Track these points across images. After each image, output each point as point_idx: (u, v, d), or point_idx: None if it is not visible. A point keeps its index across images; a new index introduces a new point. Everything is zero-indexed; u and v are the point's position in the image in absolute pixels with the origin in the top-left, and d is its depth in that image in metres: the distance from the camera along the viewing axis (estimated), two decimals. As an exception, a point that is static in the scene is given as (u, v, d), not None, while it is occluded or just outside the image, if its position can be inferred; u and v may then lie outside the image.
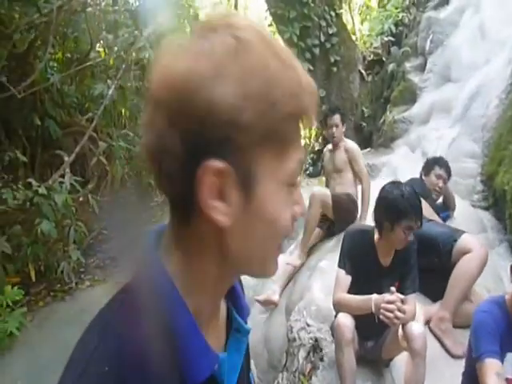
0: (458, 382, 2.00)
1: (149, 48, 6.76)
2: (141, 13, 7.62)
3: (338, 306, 2.19)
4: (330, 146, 3.78)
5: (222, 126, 0.42)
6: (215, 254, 0.48)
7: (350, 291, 2.18)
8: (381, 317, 1.94)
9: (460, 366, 2.08)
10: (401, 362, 2.26)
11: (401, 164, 4.23)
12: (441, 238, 2.69)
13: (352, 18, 9.38)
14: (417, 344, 2.01)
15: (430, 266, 2.66)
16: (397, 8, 7.07)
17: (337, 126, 3.54)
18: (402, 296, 1.96)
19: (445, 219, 3.32)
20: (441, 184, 3.20)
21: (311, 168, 6.80)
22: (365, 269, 2.19)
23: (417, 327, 2.05)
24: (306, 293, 3.20)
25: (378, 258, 2.21)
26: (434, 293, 2.75)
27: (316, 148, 7.04)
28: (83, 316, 4.45)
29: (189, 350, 0.48)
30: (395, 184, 2.20)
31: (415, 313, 2.15)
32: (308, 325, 2.89)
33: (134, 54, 6.52)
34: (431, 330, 2.64)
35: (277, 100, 0.43)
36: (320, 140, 6.99)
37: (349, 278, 2.19)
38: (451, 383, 2.09)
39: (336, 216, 3.51)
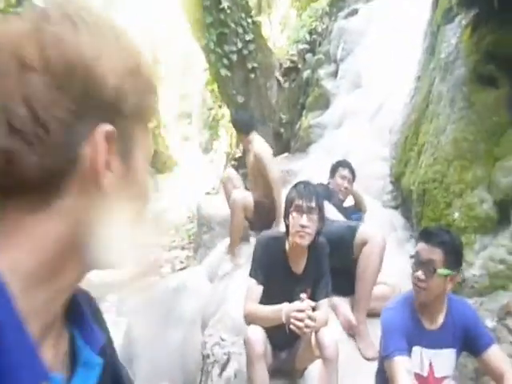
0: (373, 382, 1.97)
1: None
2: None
3: (249, 319, 2.07)
4: None
5: (108, 92, 0.42)
6: (65, 240, 0.43)
7: (262, 301, 2.07)
8: (291, 326, 1.85)
9: (375, 365, 2.05)
10: (315, 372, 2.18)
11: (316, 168, 4.27)
12: (341, 236, 2.69)
13: (271, 27, 9.55)
14: (329, 352, 1.96)
15: (338, 267, 2.66)
16: (311, 17, 7.26)
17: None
18: (312, 303, 1.89)
19: (359, 218, 3.37)
20: (346, 184, 3.29)
21: (232, 175, 6.65)
22: (277, 277, 2.10)
23: (328, 335, 1.99)
24: (221, 305, 3.04)
25: (289, 265, 2.14)
26: (347, 291, 2.74)
27: (237, 155, 6.95)
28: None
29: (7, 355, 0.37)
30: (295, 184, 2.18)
31: (327, 318, 2.11)
32: (222, 339, 2.73)
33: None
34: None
35: (144, 77, 0.46)
36: (240, 147, 6.91)
37: (260, 288, 2.09)
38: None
39: (255, 218, 3.43)
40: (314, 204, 2.02)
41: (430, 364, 1.84)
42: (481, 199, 2.78)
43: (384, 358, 1.78)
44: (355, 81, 5.64)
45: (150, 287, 4.03)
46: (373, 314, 2.63)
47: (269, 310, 1.99)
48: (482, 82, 3.14)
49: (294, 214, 2.03)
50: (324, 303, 2.14)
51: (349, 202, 3.45)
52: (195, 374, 2.95)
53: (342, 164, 3.38)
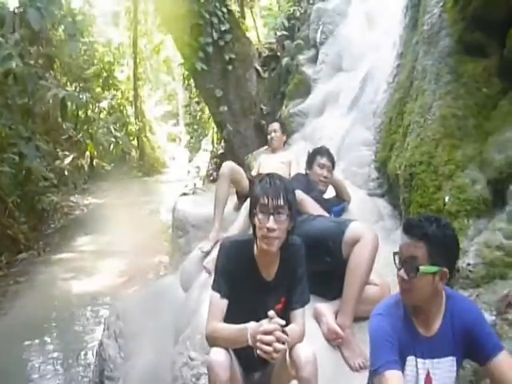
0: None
1: (17, 57, 5.96)
2: (9, 18, 6.76)
3: (212, 339, 1.76)
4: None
5: None
6: None
7: (230, 316, 1.78)
8: (258, 351, 1.57)
9: (364, 376, 1.82)
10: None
11: (298, 158, 3.98)
12: (328, 234, 2.44)
13: (253, 17, 9.25)
14: (305, 372, 1.67)
15: (324, 267, 2.43)
16: (288, 2, 6.95)
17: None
18: (282, 322, 1.59)
19: (340, 212, 3.09)
20: (325, 173, 3.01)
21: (215, 173, 6.40)
22: (245, 287, 1.80)
23: (304, 352, 1.69)
24: (192, 317, 2.73)
25: (259, 271, 1.84)
26: (334, 294, 2.48)
27: (219, 151, 6.65)
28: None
29: None
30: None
31: (303, 332, 1.82)
32: (191, 359, 2.42)
33: (-1, 64, 5.68)
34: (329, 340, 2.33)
35: None
36: (223, 144, 6.62)
37: (224, 303, 1.79)
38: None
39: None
40: (281, 201, 1.72)
41: (428, 376, 1.57)
42: (473, 180, 2.53)
43: (372, 374, 1.54)
44: (336, 64, 5.35)
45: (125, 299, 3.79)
46: (360, 318, 2.36)
47: (233, 329, 1.70)
48: (469, 52, 2.91)
49: (260, 215, 1.73)
50: (299, 314, 1.84)
51: (330, 192, 3.15)
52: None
53: (320, 152, 3.12)
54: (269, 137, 4.30)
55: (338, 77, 5.18)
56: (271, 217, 1.71)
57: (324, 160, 3.04)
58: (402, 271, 1.50)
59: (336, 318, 2.36)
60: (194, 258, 3.36)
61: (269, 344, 1.55)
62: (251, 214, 1.80)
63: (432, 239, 1.46)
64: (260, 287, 1.83)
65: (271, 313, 1.61)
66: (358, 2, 5.83)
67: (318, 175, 3.01)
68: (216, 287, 1.82)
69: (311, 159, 3.10)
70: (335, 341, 2.31)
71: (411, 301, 1.53)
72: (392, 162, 3.41)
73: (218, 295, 1.80)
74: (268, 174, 1.86)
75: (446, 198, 2.57)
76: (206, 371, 2.25)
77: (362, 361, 2.23)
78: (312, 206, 2.71)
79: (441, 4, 3.54)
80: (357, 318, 2.37)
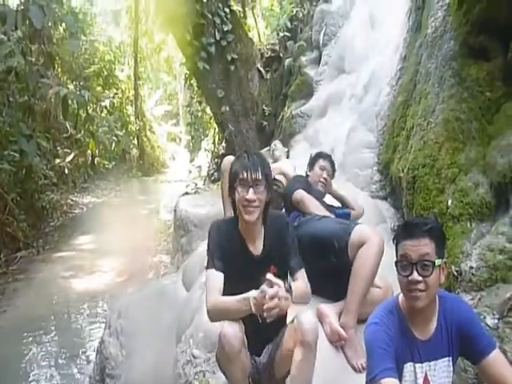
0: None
1: (19, 54, 5.95)
2: (11, 15, 6.75)
3: (214, 312, 1.78)
4: None
5: None
6: None
7: (224, 293, 1.81)
8: (268, 320, 1.61)
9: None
10: None
11: (300, 160, 3.99)
12: (334, 235, 2.43)
13: (255, 18, 9.25)
14: (308, 337, 1.71)
15: (330, 268, 2.42)
16: (291, 3, 6.95)
17: None
18: (280, 282, 1.65)
19: (345, 217, 3.06)
20: (325, 175, 3.03)
21: (216, 173, 6.39)
22: (236, 262, 1.86)
23: (307, 319, 1.74)
24: (195, 315, 2.73)
25: (246, 246, 1.91)
26: (338, 295, 2.46)
27: (220, 152, 6.65)
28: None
29: None
30: None
31: (308, 289, 1.90)
32: (194, 356, 2.42)
33: (2, 61, 5.67)
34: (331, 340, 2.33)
35: None
36: (224, 143, 6.61)
37: (221, 276, 1.83)
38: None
39: None
40: (260, 175, 1.83)
41: (426, 379, 1.57)
42: (476, 183, 2.54)
43: (370, 382, 1.51)
44: (339, 66, 5.35)
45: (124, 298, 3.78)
46: (363, 320, 2.36)
47: (234, 299, 1.73)
48: (473, 56, 2.92)
49: (239, 188, 1.83)
50: (300, 274, 1.92)
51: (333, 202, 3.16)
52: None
53: (322, 155, 3.15)
54: (274, 154, 4.38)
55: (340, 79, 5.19)
56: (250, 189, 1.81)
57: (325, 163, 3.07)
58: (414, 274, 1.49)
59: (339, 319, 2.37)
60: (197, 257, 3.36)
61: (274, 308, 1.59)
62: (231, 190, 1.89)
63: (434, 233, 1.50)
64: (249, 262, 1.88)
65: (268, 275, 1.65)
66: (361, 3, 5.84)
67: (318, 176, 3.03)
68: (211, 264, 1.87)
69: (313, 161, 3.12)
70: (338, 342, 2.31)
71: (427, 300, 1.51)
72: (395, 164, 3.42)
73: (213, 270, 1.84)
74: (245, 151, 1.96)
75: (449, 201, 2.58)
76: (210, 369, 2.31)
77: (364, 361, 2.22)
78: (315, 206, 2.71)
79: (445, 7, 3.55)
80: (360, 321, 2.37)
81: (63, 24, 10.76)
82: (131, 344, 3.14)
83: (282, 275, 1.83)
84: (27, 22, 6.60)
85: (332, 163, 3.10)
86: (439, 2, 3.66)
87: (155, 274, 5.41)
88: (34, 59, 7.33)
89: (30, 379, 3.76)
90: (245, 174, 1.82)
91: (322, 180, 3.01)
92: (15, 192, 7.00)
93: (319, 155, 3.13)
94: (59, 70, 11.04)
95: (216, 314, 1.78)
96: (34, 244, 7.00)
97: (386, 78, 4.38)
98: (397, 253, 1.58)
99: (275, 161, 4.27)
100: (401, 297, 1.62)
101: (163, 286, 3.54)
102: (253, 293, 1.66)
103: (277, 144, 4.21)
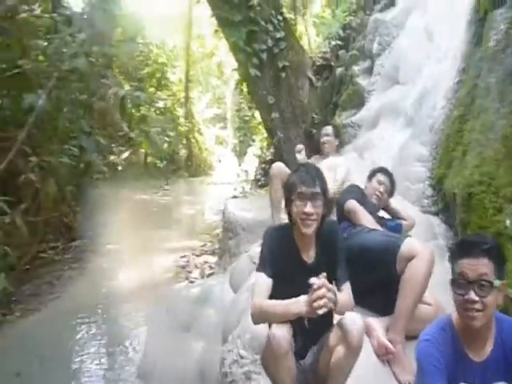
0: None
1: (83, 56, 6.33)
2: (76, 19, 7.18)
3: (260, 314, 1.85)
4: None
5: None
6: None
7: (271, 297, 1.87)
8: (317, 311, 1.64)
9: None
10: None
11: (351, 173, 3.95)
12: (383, 248, 2.42)
13: (306, 26, 9.31)
14: (353, 338, 1.72)
15: (377, 281, 2.43)
16: (344, 12, 6.95)
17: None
18: (328, 284, 1.68)
19: (396, 229, 3.03)
20: (381, 189, 3.01)
21: (263, 178, 6.48)
22: (287, 269, 1.92)
23: (352, 319, 1.76)
24: (242, 318, 2.82)
25: (299, 254, 1.97)
26: (386, 309, 2.44)
27: (268, 157, 6.73)
28: (9, 351, 3.96)
29: None
30: None
31: (352, 301, 1.95)
32: (241, 357, 2.50)
33: (67, 62, 6.06)
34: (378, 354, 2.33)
35: None
36: (272, 149, 6.69)
37: (270, 281, 1.89)
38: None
39: None
40: (317, 189, 1.89)
41: None
42: (537, 205, 2.44)
43: None
44: (392, 76, 5.28)
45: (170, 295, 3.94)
46: (412, 337, 2.34)
47: (282, 303, 1.78)
48: None
49: (297, 201, 1.89)
50: (346, 287, 1.96)
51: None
52: (214, 394, 2.75)
53: (383, 170, 3.12)
54: (321, 140, 4.11)
55: (393, 89, 5.12)
56: (308, 202, 1.86)
57: (384, 178, 3.04)
58: (471, 294, 1.48)
59: (387, 334, 2.36)
60: (245, 260, 3.46)
61: (321, 298, 1.63)
62: (287, 202, 1.96)
63: (493, 253, 1.49)
64: (301, 269, 1.92)
65: (323, 275, 1.69)
66: (417, 14, 5.73)
67: (375, 189, 3.01)
68: (261, 268, 1.93)
69: (373, 174, 3.10)
70: (385, 356, 2.30)
71: (484, 321, 1.50)
72: (449, 180, 3.36)
73: (262, 274, 1.90)
74: (303, 165, 2.03)
75: (507, 222, 2.52)
76: (256, 370, 2.38)
77: (412, 378, 2.21)
78: (366, 219, 2.72)
79: (508, 20, 3.46)
80: (408, 337, 2.34)
81: (120, 27, 11.32)
82: (178, 339, 3.29)
83: (332, 281, 1.88)
84: (91, 24, 7.02)
85: (392, 181, 3.07)
86: (502, 14, 3.56)
87: (200, 273, 5.56)
88: (94, 60, 7.75)
89: (79, 364, 3.93)
90: (303, 188, 1.87)
91: (378, 194, 2.99)
92: (72, 185, 7.42)
93: (380, 170, 3.12)
94: (116, 70, 11.58)
95: (261, 316, 1.85)
96: (86, 235, 7.39)
97: (441, 91, 4.29)
98: (453, 271, 1.58)
99: (325, 155, 4.06)
100: (454, 315, 1.61)
101: (210, 286, 3.67)
102: (303, 297, 1.70)
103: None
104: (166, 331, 3.45)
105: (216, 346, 3.00)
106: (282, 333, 1.75)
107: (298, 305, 1.71)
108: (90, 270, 6.24)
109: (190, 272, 5.77)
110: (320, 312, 1.65)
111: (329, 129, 4.14)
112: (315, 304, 1.64)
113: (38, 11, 6.76)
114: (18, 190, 5.89)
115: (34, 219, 5.95)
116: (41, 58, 6.54)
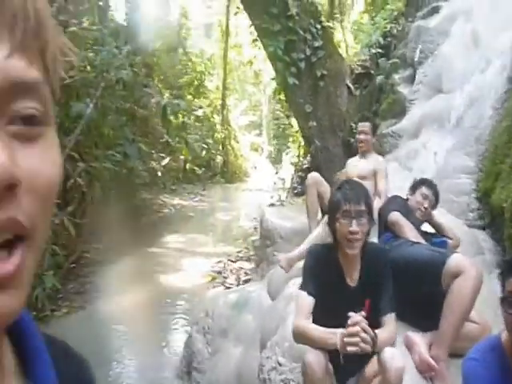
0: None
1: (128, 66, 6.60)
2: (122, 31, 7.50)
3: (299, 336, 1.87)
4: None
5: None
6: None
7: (314, 317, 1.87)
8: (348, 348, 1.63)
9: None
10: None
11: (390, 181, 3.91)
12: (428, 262, 2.38)
13: (343, 33, 9.27)
14: (389, 376, 1.68)
15: (420, 296, 2.38)
16: (385, 19, 6.88)
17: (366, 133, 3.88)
18: (365, 320, 1.66)
19: (444, 244, 2.96)
20: (426, 204, 2.93)
21: (299, 187, 6.48)
22: (330, 290, 1.90)
23: (391, 355, 1.71)
24: (280, 325, 2.84)
25: (343, 276, 1.93)
26: (428, 326, 2.40)
27: (305, 166, 6.73)
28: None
29: None
30: None
31: (394, 337, 1.86)
32: (280, 364, 2.53)
33: (112, 72, 6.34)
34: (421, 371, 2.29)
35: None
36: (308, 158, 6.69)
37: (312, 301, 1.89)
38: None
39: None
40: (363, 207, 1.84)
41: None
42: None
43: None
44: (435, 85, 5.17)
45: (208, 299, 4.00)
46: (455, 354, 2.28)
47: (321, 331, 1.78)
48: None
49: (342, 220, 1.84)
50: (389, 319, 1.88)
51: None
52: (252, 398, 2.78)
53: (427, 183, 3.03)
54: (357, 137, 4.00)
55: (436, 98, 5.01)
56: (354, 221, 1.82)
57: (428, 192, 2.95)
58: None
59: (429, 350, 2.31)
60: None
61: (355, 335, 1.61)
62: (331, 220, 1.90)
63: None
64: (343, 292, 1.90)
65: (362, 313, 1.67)
66: (462, 21, 5.60)
67: (419, 203, 2.93)
68: (304, 287, 1.92)
69: (416, 186, 3.02)
70: (427, 372, 2.26)
71: None
72: (497, 193, 3.26)
73: (305, 293, 1.89)
74: (346, 181, 2.01)
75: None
76: (294, 378, 2.39)
77: (455, 396, 2.16)
78: (411, 232, 2.67)
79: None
80: (452, 355, 2.28)
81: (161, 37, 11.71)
82: (217, 343, 3.35)
83: (375, 309, 1.84)
84: (134, 36, 7.31)
85: (436, 193, 2.99)
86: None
87: (236, 279, 5.62)
88: (137, 70, 8.05)
89: (120, 364, 4.02)
90: (348, 206, 1.83)
91: (422, 209, 2.92)
92: (114, 189, 7.69)
93: (424, 182, 3.04)
94: (156, 79, 11.95)
95: (301, 339, 1.86)
96: (127, 238, 7.61)
97: (488, 101, 4.17)
98: (503, 288, 1.54)
99: (363, 153, 3.99)
100: (504, 335, 1.57)
101: (248, 293, 3.70)
102: (341, 330, 1.69)
103: (366, 130, 3.94)
104: (207, 333, 3.51)
105: (254, 352, 3.03)
106: (317, 359, 1.74)
107: (333, 336, 1.70)
108: (130, 272, 6.42)
109: (225, 277, 5.83)
110: (351, 349, 1.63)
111: (366, 125, 4.00)
112: (346, 339, 1.63)
113: (85, 24, 7.12)
114: (65, 193, 6.18)
115: (79, 221, 6.22)
116: (88, 68, 6.86)
